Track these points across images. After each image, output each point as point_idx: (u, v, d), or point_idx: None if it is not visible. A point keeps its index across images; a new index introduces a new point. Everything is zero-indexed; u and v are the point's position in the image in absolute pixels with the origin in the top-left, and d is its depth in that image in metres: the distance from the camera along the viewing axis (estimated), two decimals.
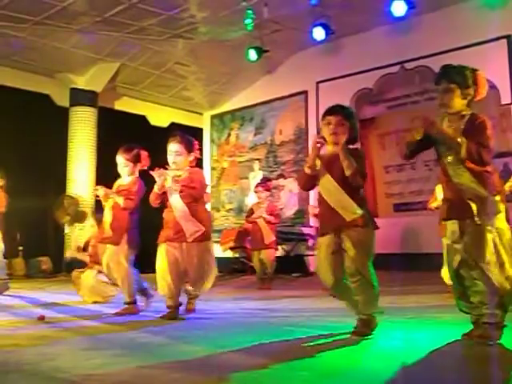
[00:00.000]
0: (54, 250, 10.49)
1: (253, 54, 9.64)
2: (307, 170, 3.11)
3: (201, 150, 4.25)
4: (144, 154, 4.38)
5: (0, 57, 9.86)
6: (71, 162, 10.79)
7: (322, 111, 3.28)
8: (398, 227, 9.65)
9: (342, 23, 9.13)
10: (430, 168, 9.76)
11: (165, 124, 12.58)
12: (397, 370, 2.19)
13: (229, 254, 10.62)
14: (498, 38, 8.79)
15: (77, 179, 10.68)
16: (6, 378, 2.16)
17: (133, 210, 4.22)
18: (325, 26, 8.90)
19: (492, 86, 8.84)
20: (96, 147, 10.92)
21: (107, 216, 4.28)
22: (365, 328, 2.98)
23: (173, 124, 12.48)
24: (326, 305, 4.64)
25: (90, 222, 5.42)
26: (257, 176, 12.01)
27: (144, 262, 4.59)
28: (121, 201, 4.20)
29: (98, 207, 4.79)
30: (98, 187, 4.34)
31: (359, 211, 2.99)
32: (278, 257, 7.20)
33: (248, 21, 8.91)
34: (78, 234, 9.71)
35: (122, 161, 4.32)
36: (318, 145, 3.07)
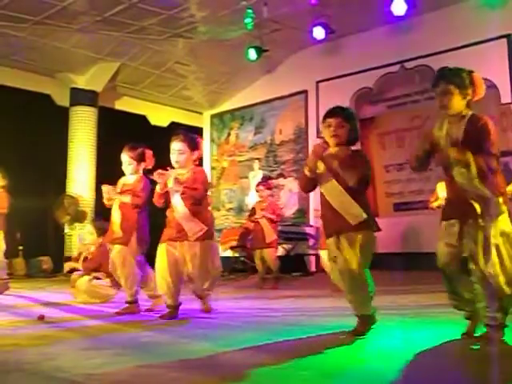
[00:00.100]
0: (55, 250, 10.49)
1: (252, 54, 9.65)
2: (307, 173, 3.13)
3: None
4: (149, 153, 4.38)
5: (0, 56, 9.86)
6: (71, 161, 10.79)
7: (321, 111, 3.30)
8: (398, 227, 9.65)
9: (341, 23, 9.13)
10: (431, 167, 9.74)
11: (165, 123, 12.59)
12: (397, 370, 2.19)
13: (229, 253, 10.62)
14: (497, 38, 8.80)
15: (77, 179, 10.69)
16: (6, 377, 2.16)
17: (141, 206, 4.23)
18: (325, 26, 8.90)
19: (492, 86, 8.86)
20: (96, 147, 10.93)
21: (115, 216, 4.28)
22: (359, 328, 2.99)
23: (173, 123, 12.50)
24: (327, 304, 4.65)
25: (89, 229, 5.40)
26: (257, 175, 12.02)
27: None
28: (127, 199, 4.22)
29: (98, 213, 4.80)
30: (104, 186, 4.31)
31: (364, 215, 3.02)
32: (278, 256, 7.20)
33: (248, 20, 8.92)
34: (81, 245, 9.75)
35: (126, 159, 4.34)
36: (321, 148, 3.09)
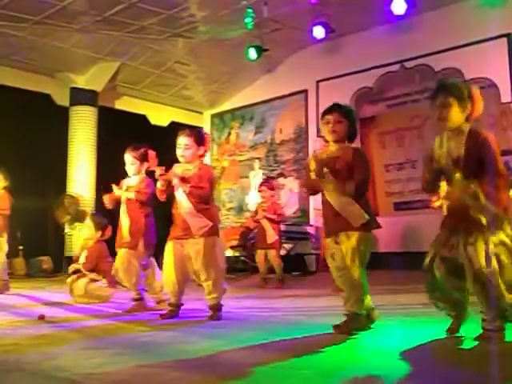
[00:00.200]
0: (55, 250, 10.49)
1: (253, 53, 9.65)
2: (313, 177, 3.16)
3: None
4: (152, 153, 4.40)
5: (0, 56, 9.86)
6: (71, 161, 10.79)
7: (322, 110, 3.31)
8: (398, 226, 9.65)
9: (341, 22, 9.13)
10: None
11: (165, 123, 12.59)
12: (397, 369, 2.19)
13: (229, 252, 10.62)
14: (498, 37, 8.79)
15: (77, 179, 10.69)
16: (6, 377, 2.16)
17: (146, 203, 4.31)
18: (325, 25, 8.90)
19: (492, 85, 8.86)
20: (96, 147, 10.93)
21: (124, 221, 4.34)
22: (344, 326, 3.00)
23: (173, 123, 12.49)
24: (327, 304, 4.64)
25: (88, 223, 5.42)
26: (257, 175, 12.02)
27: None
28: (132, 195, 4.30)
29: (98, 210, 4.84)
30: (105, 196, 4.39)
31: (366, 216, 3.04)
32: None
33: (248, 20, 8.92)
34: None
35: (129, 159, 4.41)
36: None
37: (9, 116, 9.72)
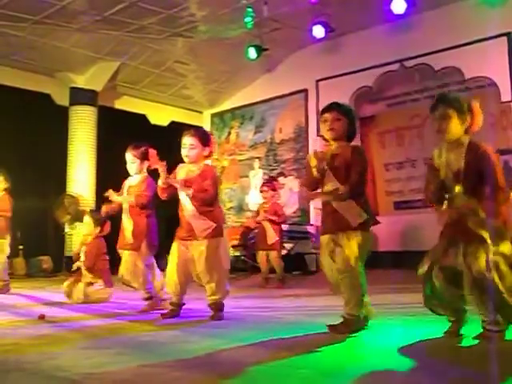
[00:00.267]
0: (55, 250, 10.49)
1: (252, 53, 9.64)
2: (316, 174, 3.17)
3: None
4: (152, 152, 4.38)
5: (0, 56, 9.85)
6: (71, 161, 10.79)
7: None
8: (398, 225, 9.64)
9: (341, 21, 9.13)
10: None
11: (165, 123, 12.58)
12: (396, 368, 2.19)
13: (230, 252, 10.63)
14: (497, 36, 8.78)
15: (77, 179, 10.69)
16: (6, 376, 2.16)
17: (147, 205, 4.32)
18: (324, 24, 8.90)
19: (492, 84, 8.86)
20: (96, 146, 10.93)
21: (127, 224, 4.36)
22: (343, 327, 2.99)
23: (173, 123, 12.49)
24: (327, 303, 4.64)
25: (87, 220, 5.41)
26: (257, 174, 12.02)
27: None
28: (132, 199, 4.33)
29: (97, 208, 4.86)
30: (104, 206, 4.49)
31: (364, 215, 3.05)
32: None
33: (248, 19, 8.92)
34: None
35: (130, 157, 4.43)
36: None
37: (9, 116, 9.72)
